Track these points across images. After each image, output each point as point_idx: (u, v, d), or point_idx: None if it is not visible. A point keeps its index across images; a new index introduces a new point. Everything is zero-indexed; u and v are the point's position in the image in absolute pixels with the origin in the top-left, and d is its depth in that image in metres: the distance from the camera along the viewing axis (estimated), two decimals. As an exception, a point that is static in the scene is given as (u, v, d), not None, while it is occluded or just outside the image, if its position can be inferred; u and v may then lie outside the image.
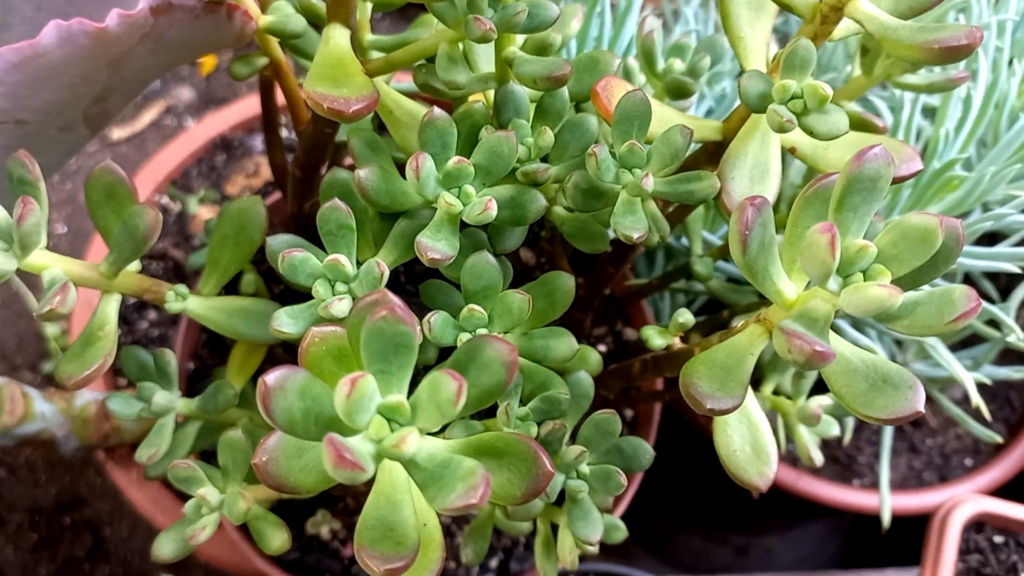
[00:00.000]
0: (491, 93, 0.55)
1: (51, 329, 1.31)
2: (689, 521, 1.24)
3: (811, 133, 0.44)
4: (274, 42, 0.56)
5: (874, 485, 0.95)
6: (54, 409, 0.87)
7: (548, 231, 0.64)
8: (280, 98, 0.66)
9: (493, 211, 0.46)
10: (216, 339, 0.81)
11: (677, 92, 0.59)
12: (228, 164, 1.18)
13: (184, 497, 0.95)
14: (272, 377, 0.35)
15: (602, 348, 0.82)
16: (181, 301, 0.53)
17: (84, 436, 0.87)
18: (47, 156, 0.57)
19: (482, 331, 0.49)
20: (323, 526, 0.73)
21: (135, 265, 0.52)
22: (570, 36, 0.63)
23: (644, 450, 0.56)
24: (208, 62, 1.58)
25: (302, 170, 0.61)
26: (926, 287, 0.41)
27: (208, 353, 0.82)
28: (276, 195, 0.80)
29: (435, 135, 0.47)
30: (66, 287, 0.45)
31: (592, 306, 0.74)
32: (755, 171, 0.50)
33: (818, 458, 0.61)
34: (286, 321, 0.47)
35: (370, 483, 0.56)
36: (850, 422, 0.83)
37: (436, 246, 0.46)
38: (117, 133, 1.49)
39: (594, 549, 0.60)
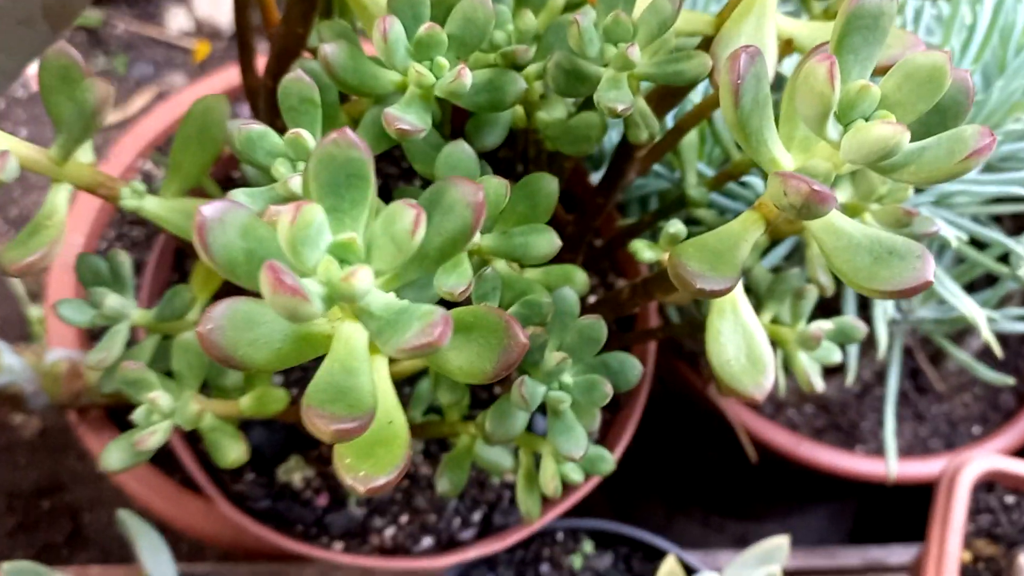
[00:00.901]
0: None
1: (35, 312, 1.28)
2: (685, 506, 1.19)
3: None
4: (243, -70, 0.53)
5: (878, 452, 0.91)
6: (23, 363, 0.84)
7: (534, 148, 0.60)
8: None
9: (467, 79, 0.43)
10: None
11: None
12: (214, 131, 1.15)
13: (162, 465, 0.91)
14: (210, 208, 0.31)
15: (593, 299, 0.78)
16: (137, 199, 0.50)
17: (54, 393, 0.84)
18: (4, 56, 0.54)
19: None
20: (295, 473, 0.70)
21: (89, 157, 0.49)
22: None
23: (631, 365, 0.52)
24: (202, 49, 1.56)
25: (273, 80, 0.58)
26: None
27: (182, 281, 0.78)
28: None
29: (406, 3, 0.44)
30: (6, 154, 0.42)
31: (582, 245, 0.71)
32: (748, 53, 0.46)
33: (819, 384, 0.58)
34: (243, 199, 0.43)
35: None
36: (853, 362, 0.79)
37: (405, 117, 0.43)
38: (108, 118, 1.47)
39: (578, 477, 0.56)
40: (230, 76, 1.16)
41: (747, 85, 0.37)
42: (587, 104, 0.61)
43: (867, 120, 0.36)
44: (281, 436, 0.70)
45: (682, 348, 0.90)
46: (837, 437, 0.93)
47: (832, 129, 0.36)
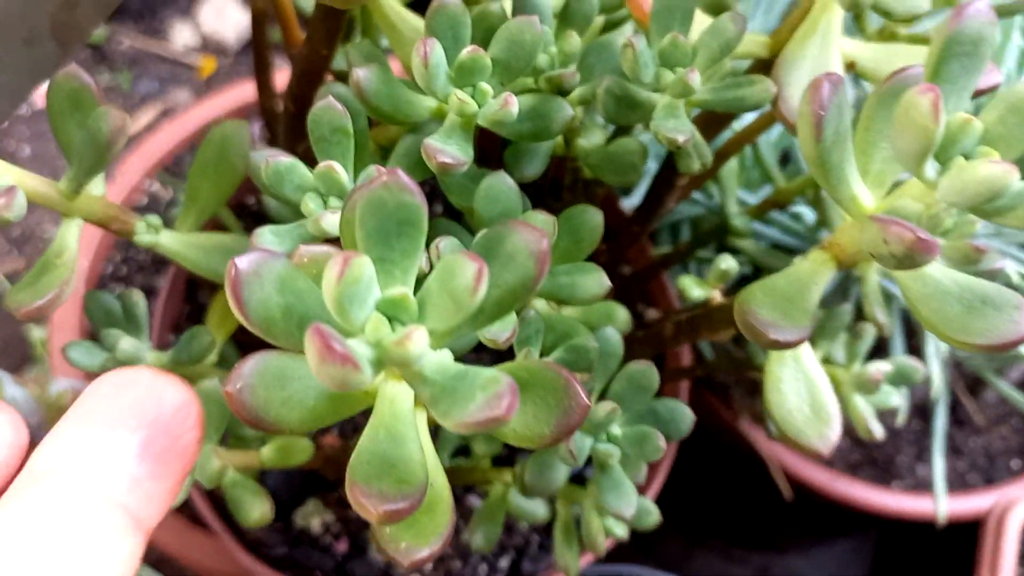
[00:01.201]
0: (508, 3, 0.49)
1: (37, 333, 1.25)
2: (706, 538, 1.16)
3: (886, 14, 0.38)
4: (266, -53, 0.50)
5: (916, 488, 0.87)
6: (26, 395, 0.80)
7: (570, 175, 0.57)
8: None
9: (514, 107, 0.39)
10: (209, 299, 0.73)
11: (714, 9, 0.52)
12: (222, 151, 1.12)
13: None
14: (245, 260, 0.28)
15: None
16: (153, 233, 0.46)
17: (57, 425, 0.80)
18: (9, 76, 0.51)
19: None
20: (314, 518, 0.66)
21: (100, 189, 0.45)
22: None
23: (683, 413, 0.48)
24: (207, 65, 1.53)
25: (295, 103, 0.54)
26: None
27: (196, 312, 0.74)
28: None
29: (446, 24, 0.40)
30: (13, 190, 0.38)
31: (614, 276, 0.67)
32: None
33: (878, 431, 0.54)
34: (270, 239, 0.40)
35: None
36: (904, 405, 0.75)
37: (447, 149, 0.39)
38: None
39: (624, 532, 0.52)
40: (240, 94, 1.12)
41: (830, 117, 0.34)
42: (621, 129, 0.58)
43: (967, 157, 0.32)
44: (298, 479, 0.66)
45: (711, 379, 0.87)
46: (872, 472, 0.89)
47: (930, 167, 0.32)
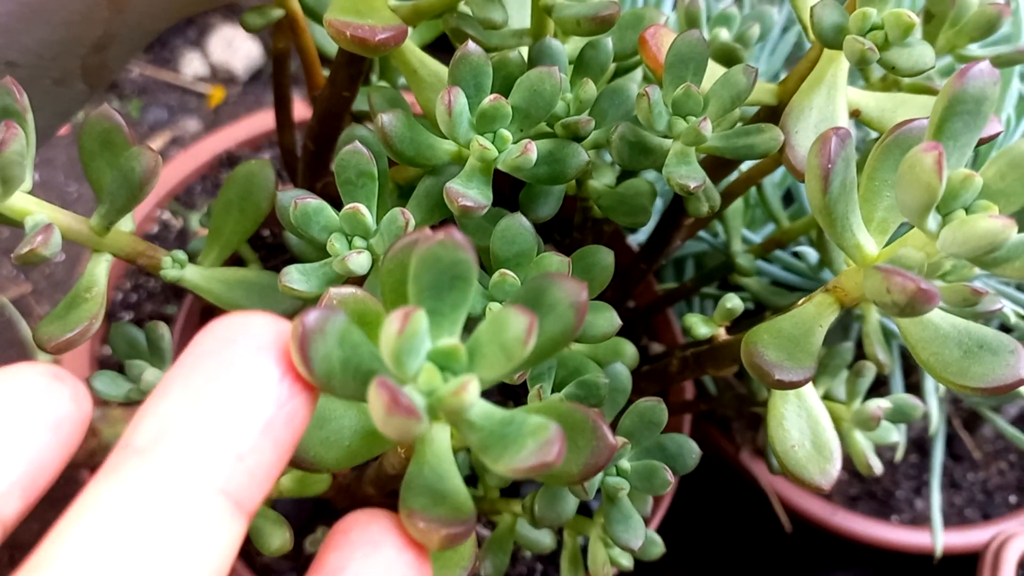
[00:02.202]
0: (524, 50, 0.51)
1: (44, 359, 1.26)
2: (706, 569, 1.16)
3: (892, 69, 0.40)
4: (291, -8, 0.52)
5: (914, 521, 0.88)
6: (37, 421, 0.81)
7: (580, 214, 0.58)
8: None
9: (533, 154, 0.41)
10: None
11: (725, 59, 0.54)
12: (233, 182, 1.14)
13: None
14: (312, 318, 0.29)
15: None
16: (179, 268, 0.48)
17: (68, 451, 0.81)
18: (40, 114, 0.53)
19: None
20: (324, 545, 0.67)
21: (130, 225, 0.47)
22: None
23: (689, 449, 0.50)
24: (216, 94, 1.55)
25: (315, 142, 0.56)
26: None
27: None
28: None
29: (468, 72, 0.42)
30: (50, 228, 0.40)
31: (619, 309, 0.69)
32: (820, 128, 0.45)
33: (877, 466, 0.55)
34: (296, 277, 0.41)
35: (384, 486, 0.50)
36: (901, 440, 0.77)
37: (468, 193, 0.41)
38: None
39: (629, 563, 0.53)
40: (251, 125, 1.14)
41: (837, 169, 0.36)
42: (630, 171, 0.60)
43: (967, 210, 0.34)
44: (309, 506, 0.67)
45: (713, 412, 0.88)
46: (871, 506, 0.90)
47: (932, 220, 0.34)
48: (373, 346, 0.28)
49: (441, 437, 0.32)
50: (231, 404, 0.26)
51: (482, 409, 0.30)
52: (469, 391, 0.27)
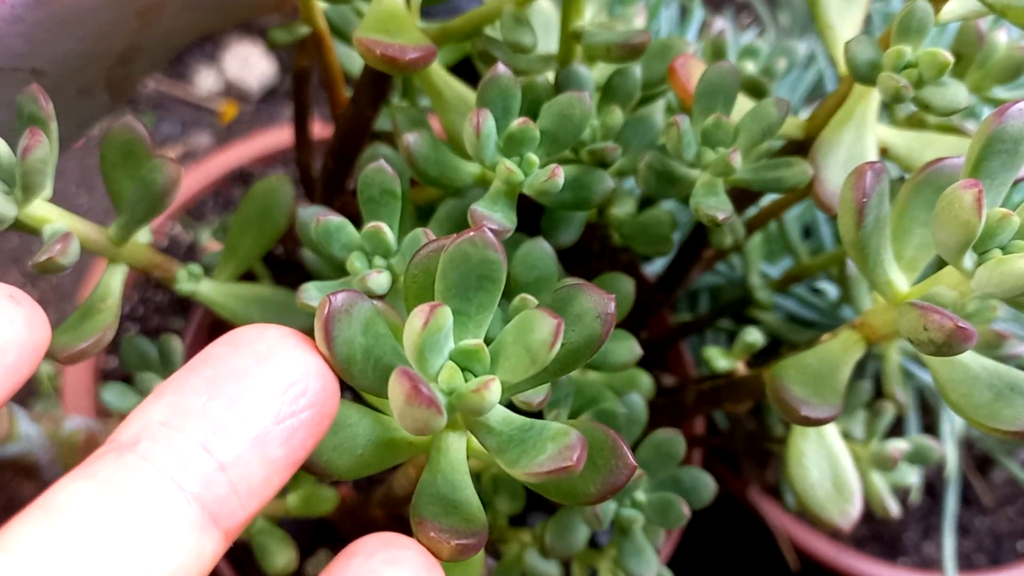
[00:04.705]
0: (552, 77, 0.50)
1: (45, 368, 1.25)
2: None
3: (926, 107, 0.39)
4: (318, 9, 0.52)
5: (920, 565, 0.87)
6: (40, 431, 0.80)
7: (599, 242, 0.58)
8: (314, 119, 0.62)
9: (560, 179, 0.40)
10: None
11: (752, 92, 0.54)
12: (245, 198, 1.13)
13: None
14: (339, 297, 0.28)
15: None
16: (194, 282, 0.47)
17: (70, 464, 0.80)
18: (62, 124, 0.52)
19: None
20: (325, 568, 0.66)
21: (147, 237, 0.46)
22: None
23: (705, 483, 0.49)
24: (229, 111, 1.56)
25: (335, 161, 0.55)
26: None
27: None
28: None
29: (497, 95, 0.42)
30: (69, 236, 0.39)
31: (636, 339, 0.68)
32: (850, 164, 0.44)
33: (893, 508, 0.55)
34: (315, 295, 0.41)
35: (392, 508, 0.50)
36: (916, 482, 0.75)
37: (493, 216, 0.40)
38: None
39: (640, 598, 0.52)
40: (264, 141, 1.14)
41: (872, 204, 0.35)
42: (648, 199, 0.59)
43: (1003, 250, 0.34)
44: (311, 528, 0.66)
45: (722, 448, 0.87)
46: (879, 548, 0.89)
47: (968, 259, 0.33)
48: (396, 342, 0.28)
49: (457, 447, 0.31)
50: (222, 411, 0.25)
51: (502, 414, 0.29)
52: (491, 390, 0.26)
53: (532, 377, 0.29)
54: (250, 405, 0.25)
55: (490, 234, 0.27)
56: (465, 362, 0.28)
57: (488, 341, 0.30)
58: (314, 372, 0.26)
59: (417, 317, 0.26)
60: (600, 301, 0.29)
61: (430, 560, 0.27)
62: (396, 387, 0.25)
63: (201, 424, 0.24)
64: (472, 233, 0.27)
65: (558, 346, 0.26)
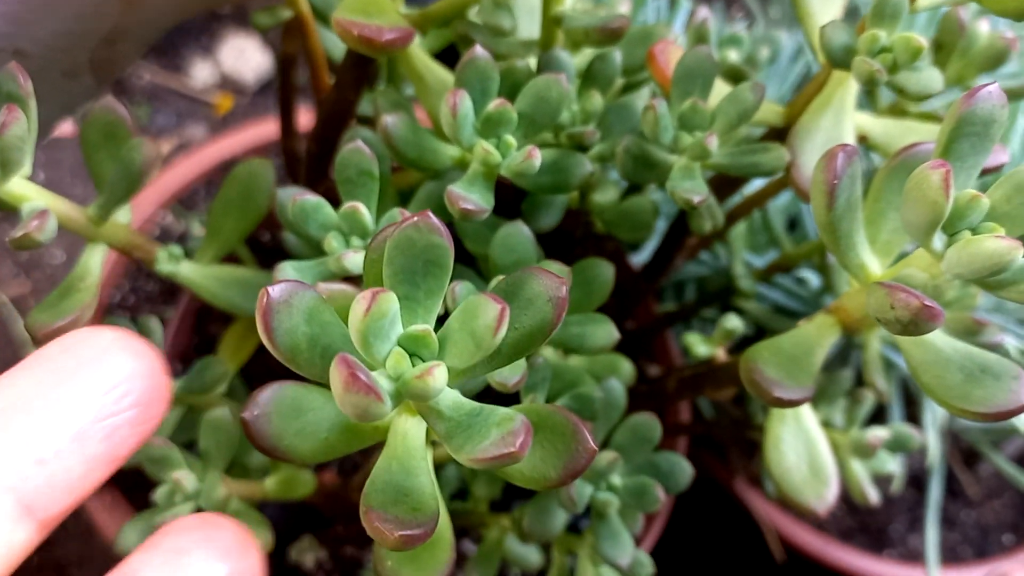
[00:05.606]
0: (533, 61, 0.51)
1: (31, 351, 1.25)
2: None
3: (901, 91, 0.39)
4: (301, -7, 0.52)
5: (905, 557, 0.87)
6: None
7: (582, 229, 0.58)
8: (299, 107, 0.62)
9: (537, 160, 0.40)
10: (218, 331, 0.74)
11: (734, 80, 0.54)
12: (236, 188, 1.13)
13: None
14: (277, 289, 0.29)
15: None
16: (174, 263, 0.48)
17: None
18: (45, 106, 0.52)
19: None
20: (307, 554, 0.66)
21: (127, 217, 0.47)
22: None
23: (682, 467, 0.49)
24: (224, 103, 1.56)
25: (319, 144, 0.56)
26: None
27: (205, 344, 0.75)
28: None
29: (475, 77, 0.42)
30: (46, 214, 0.40)
31: (618, 328, 0.68)
32: (827, 147, 0.44)
33: (872, 496, 0.55)
34: (291, 274, 0.41)
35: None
36: (899, 473, 0.76)
37: (469, 197, 0.40)
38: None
39: (618, 582, 0.52)
40: (256, 132, 1.14)
41: (843, 186, 0.35)
42: (633, 187, 0.59)
43: (974, 232, 0.34)
44: (294, 513, 0.66)
45: (709, 439, 0.87)
46: (865, 540, 0.89)
47: (938, 239, 0.33)
48: (346, 329, 0.28)
49: (415, 432, 0.32)
50: (43, 407, 0.26)
51: (452, 399, 0.30)
52: (435, 376, 0.26)
53: (484, 362, 0.29)
54: (73, 403, 0.26)
55: (435, 219, 0.27)
56: (413, 348, 0.28)
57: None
58: (140, 373, 0.28)
59: (360, 303, 0.26)
60: (551, 285, 0.30)
61: (244, 541, 0.28)
62: (335, 374, 0.25)
63: (24, 419, 0.26)
64: (416, 218, 0.27)
65: (503, 331, 0.27)
